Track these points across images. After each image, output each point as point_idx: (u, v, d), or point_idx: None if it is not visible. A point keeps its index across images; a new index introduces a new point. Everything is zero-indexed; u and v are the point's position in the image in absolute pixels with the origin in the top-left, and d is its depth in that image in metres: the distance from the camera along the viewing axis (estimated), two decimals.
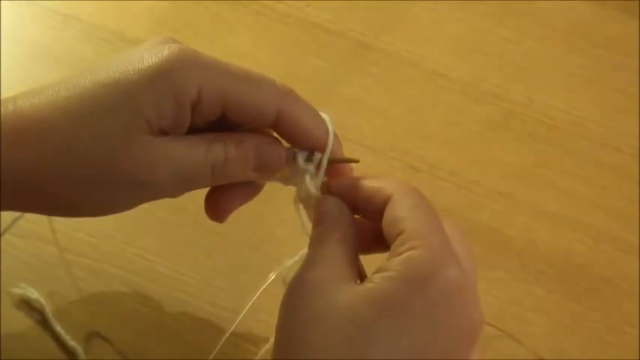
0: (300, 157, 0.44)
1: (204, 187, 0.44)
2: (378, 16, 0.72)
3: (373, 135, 0.65)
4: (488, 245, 0.59)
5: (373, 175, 0.44)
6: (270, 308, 0.53)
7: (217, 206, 0.46)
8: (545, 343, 0.55)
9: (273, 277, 0.50)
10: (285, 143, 0.45)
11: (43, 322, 0.54)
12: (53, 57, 0.69)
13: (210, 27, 0.72)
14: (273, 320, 0.54)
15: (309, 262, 0.40)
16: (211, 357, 0.51)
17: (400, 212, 0.40)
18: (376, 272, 0.39)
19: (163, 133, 0.41)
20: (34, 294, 0.55)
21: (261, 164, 0.43)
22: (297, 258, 0.50)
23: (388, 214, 0.41)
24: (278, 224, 0.59)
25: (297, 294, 0.39)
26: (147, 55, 0.41)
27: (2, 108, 0.41)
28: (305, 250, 0.42)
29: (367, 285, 0.38)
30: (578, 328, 0.56)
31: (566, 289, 0.58)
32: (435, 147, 0.65)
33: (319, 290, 0.39)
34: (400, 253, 0.39)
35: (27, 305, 0.55)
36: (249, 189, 0.46)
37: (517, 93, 0.68)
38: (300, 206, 0.45)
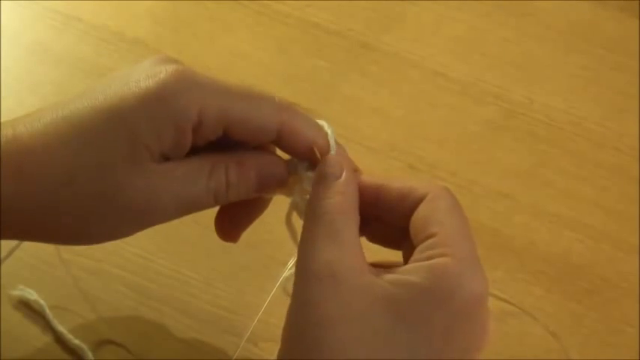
0: (302, 168, 0.44)
1: (208, 208, 0.44)
2: (378, 16, 0.72)
3: (373, 135, 0.65)
4: (488, 245, 0.59)
5: (397, 176, 0.43)
6: (270, 308, 0.54)
7: (228, 228, 0.46)
8: (545, 343, 0.55)
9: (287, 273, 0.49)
10: (285, 156, 0.44)
11: (43, 323, 0.54)
12: (53, 57, 0.69)
13: (210, 27, 0.72)
14: (274, 320, 0.54)
15: (313, 243, 0.39)
16: (234, 357, 0.51)
17: (435, 214, 0.39)
18: (398, 272, 0.38)
19: (164, 157, 0.41)
20: (32, 295, 0.54)
21: (263, 185, 0.43)
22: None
23: (421, 213, 0.40)
24: (278, 224, 0.59)
25: (306, 287, 0.38)
26: (144, 79, 0.40)
27: (2, 135, 0.40)
28: None
29: (389, 288, 0.37)
30: (578, 328, 0.56)
31: (565, 289, 0.58)
32: (435, 147, 0.65)
33: (331, 286, 0.37)
34: (428, 258, 0.38)
35: (26, 306, 0.55)
36: (257, 206, 0.46)
37: (517, 93, 0.68)
38: (294, 216, 0.44)
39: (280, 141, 0.43)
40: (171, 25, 0.71)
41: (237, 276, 0.57)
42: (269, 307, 0.52)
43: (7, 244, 0.55)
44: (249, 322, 0.54)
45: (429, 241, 0.39)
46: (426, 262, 0.38)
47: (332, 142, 0.43)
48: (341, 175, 0.41)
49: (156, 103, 0.40)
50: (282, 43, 0.71)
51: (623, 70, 0.69)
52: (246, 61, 0.69)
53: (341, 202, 0.40)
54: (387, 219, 0.42)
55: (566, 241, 0.60)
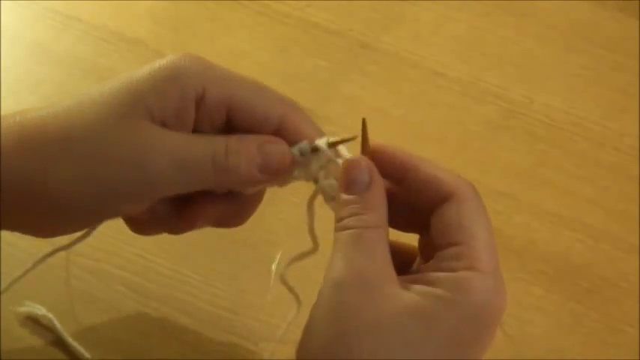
0: (295, 150, 0.43)
1: (209, 184, 0.43)
2: (378, 16, 0.72)
3: (373, 135, 0.65)
4: None
5: (427, 159, 0.41)
6: (270, 308, 0.54)
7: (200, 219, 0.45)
8: (545, 343, 0.55)
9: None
10: None
11: (52, 337, 0.54)
12: (53, 57, 0.69)
13: (210, 27, 0.71)
14: (274, 320, 0.54)
15: (348, 253, 0.39)
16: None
17: (462, 220, 0.39)
18: (424, 281, 0.38)
19: (166, 126, 0.41)
20: (40, 310, 0.54)
21: (266, 162, 0.42)
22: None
23: (447, 215, 0.39)
24: (278, 224, 0.59)
25: (338, 294, 0.38)
26: (157, 61, 0.41)
27: (10, 119, 0.41)
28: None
29: (418, 300, 0.37)
30: (577, 328, 0.56)
31: (565, 288, 0.58)
32: (435, 147, 0.64)
33: (363, 295, 0.37)
34: (453, 269, 0.38)
35: (34, 322, 0.54)
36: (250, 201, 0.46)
37: (517, 93, 0.68)
38: (318, 200, 0.44)
39: (281, 132, 0.43)
40: (171, 25, 0.71)
41: (237, 276, 0.57)
42: (269, 306, 0.52)
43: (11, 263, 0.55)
44: (249, 322, 0.54)
45: (454, 249, 0.38)
46: (452, 275, 0.38)
47: (344, 152, 0.43)
48: (370, 182, 0.40)
49: (162, 71, 0.41)
50: (282, 43, 0.71)
51: (623, 70, 0.69)
52: (246, 61, 0.69)
53: (373, 218, 0.40)
54: (410, 199, 0.41)
55: (566, 240, 0.60)
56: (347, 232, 0.39)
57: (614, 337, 0.56)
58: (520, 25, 0.72)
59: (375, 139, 0.66)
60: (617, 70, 0.69)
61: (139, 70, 0.41)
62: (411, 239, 0.44)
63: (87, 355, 0.53)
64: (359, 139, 0.43)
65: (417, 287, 0.38)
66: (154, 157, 0.40)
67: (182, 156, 0.41)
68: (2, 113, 0.42)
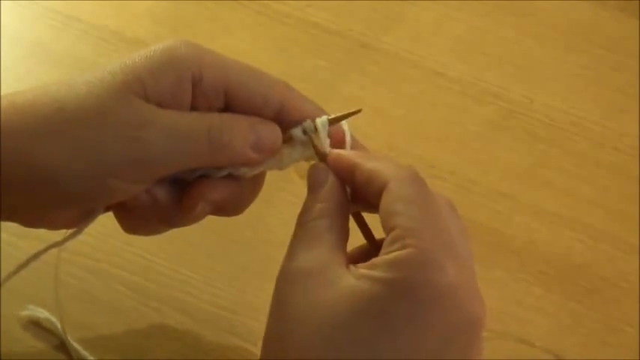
0: (298, 130, 0.43)
1: (204, 160, 0.42)
2: (378, 16, 0.72)
3: (373, 135, 0.65)
4: (487, 245, 0.59)
5: (374, 153, 0.42)
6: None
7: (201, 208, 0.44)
8: (545, 343, 0.55)
9: None
10: None
11: (56, 341, 0.54)
12: (53, 57, 0.69)
13: (210, 27, 0.71)
14: None
15: (294, 247, 0.39)
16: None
17: (394, 205, 0.38)
18: (365, 266, 0.37)
19: (161, 105, 0.41)
20: (43, 313, 0.54)
21: (259, 140, 0.42)
22: None
23: (382, 205, 0.39)
24: (278, 224, 0.59)
25: (281, 288, 0.38)
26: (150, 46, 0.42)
27: (3, 99, 0.41)
28: None
29: (353, 284, 0.37)
30: (578, 328, 0.56)
31: (565, 288, 0.58)
32: (435, 147, 0.64)
33: (302, 284, 0.37)
34: (390, 252, 0.37)
35: (36, 325, 0.54)
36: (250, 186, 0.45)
37: (517, 93, 0.68)
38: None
39: (281, 116, 0.43)
40: (171, 25, 0.71)
41: (237, 276, 0.57)
42: (269, 306, 0.52)
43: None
44: (249, 322, 0.54)
45: (392, 234, 0.38)
46: (387, 256, 0.37)
47: (348, 138, 0.44)
48: (325, 181, 0.41)
49: (159, 54, 0.41)
50: (282, 43, 0.71)
51: (623, 70, 0.69)
52: (246, 60, 0.69)
53: (322, 209, 0.40)
54: (361, 201, 0.42)
55: (566, 240, 0.60)
56: (299, 223, 0.40)
57: (614, 337, 0.56)
58: (520, 25, 0.72)
59: (375, 139, 0.66)
60: (617, 70, 0.69)
61: (134, 53, 0.41)
62: None
63: (90, 358, 0.53)
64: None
65: (357, 271, 0.37)
66: (148, 131, 0.40)
67: (176, 128, 0.40)
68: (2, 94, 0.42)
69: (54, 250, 0.56)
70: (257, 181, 0.46)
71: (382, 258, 0.37)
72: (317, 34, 0.71)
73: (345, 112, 0.43)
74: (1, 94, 0.41)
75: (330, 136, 0.43)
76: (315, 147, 0.43)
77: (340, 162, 0.42)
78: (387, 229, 0.38)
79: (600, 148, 0.65)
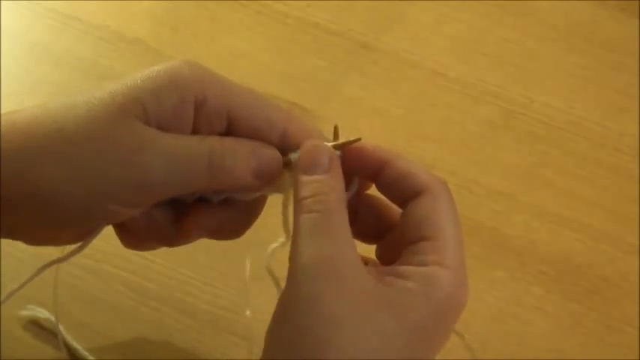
0: (297, 155, 0.42)
1: (203, 184, 0.41)
2: (378, 16, 0.72)
3: (373, 135, 0.65)
4: (487, 245, 0.59)
5: (402, 155, 0.42)
6: (270, 308, 0.53)
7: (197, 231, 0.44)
8: (545, 343, 0.55)
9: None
10: None
11: (56, 342, 0.53)
12: (53, 57, 0.69)
13: (210, 27, 0.71)
14: None
15: (321, 237, 0.38)
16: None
17: (434, 215, 0.39)
18: (391, 273, 0.38)
19: (162, 128, 0.40)
20: (43, 314, 0.54)
21: (260, 167, 0.41)
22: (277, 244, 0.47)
23: (418, 209, 0.39)
24: (278, 224, 0.59)
25: (316, 282, 0.37)
26: (152, 66, 0.41)
27: (3, 117, 0.40)
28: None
29: (391, 293, 0.37)
30: (577, 328, 0.56)
31: (565, 288, 0.58)
32: (435, 147, 0.65)
33: (342, 281, 0.37)
34: (424, 263, 0.38)
35: (37, 326, 0.54)
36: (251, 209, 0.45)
37: (517, 93, 0.68)
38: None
39: (286, 140, 0.42)
40: (171, 25, 0.71)
41: (237, 276, 0.57)
42: (269, 306, 0.52)
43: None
44: (249, 322, 0.54)
45: (424, 244, 0.38)
46: (423, 269, 0.38)
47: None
48: (330, 166, 0.40)
49: (162, 76, 0.40)
50: (282, 43, 0.71)
51: (623, 70, 0.69)
52: (246, 61, 0.69)
53: (338, 201, 0.39)
54: (385, 194, 0.42)
55: (566, 241, 0.60)
56: (311, 215, 0.39)
57: (614, 337, 0.56)
58: (520, 25, 0.72)
59: (376, 139, 0.66)
60: (617, 70, 0.69)
61: (136, 73, 0.40)
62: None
63: (90, 358, 0.53)
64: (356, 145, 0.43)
65: (388, 279, 0.38)
66: (148, 156, 0.39)
67: (176, 153, 0.40)
68: (2, 113, 0.42)
69: (54, 251, 0.56)
70: (256, 206, 0.45)
71: (414, 269, 0.38)
72: (317, 34, 0.71)
73: (344, 140, 0.43)
74: (2, 103, 0.41)
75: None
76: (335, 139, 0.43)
77: (374, 152, 0.42)
78: (417, 236, 0.39)
79: (600, 148, 0.65)
